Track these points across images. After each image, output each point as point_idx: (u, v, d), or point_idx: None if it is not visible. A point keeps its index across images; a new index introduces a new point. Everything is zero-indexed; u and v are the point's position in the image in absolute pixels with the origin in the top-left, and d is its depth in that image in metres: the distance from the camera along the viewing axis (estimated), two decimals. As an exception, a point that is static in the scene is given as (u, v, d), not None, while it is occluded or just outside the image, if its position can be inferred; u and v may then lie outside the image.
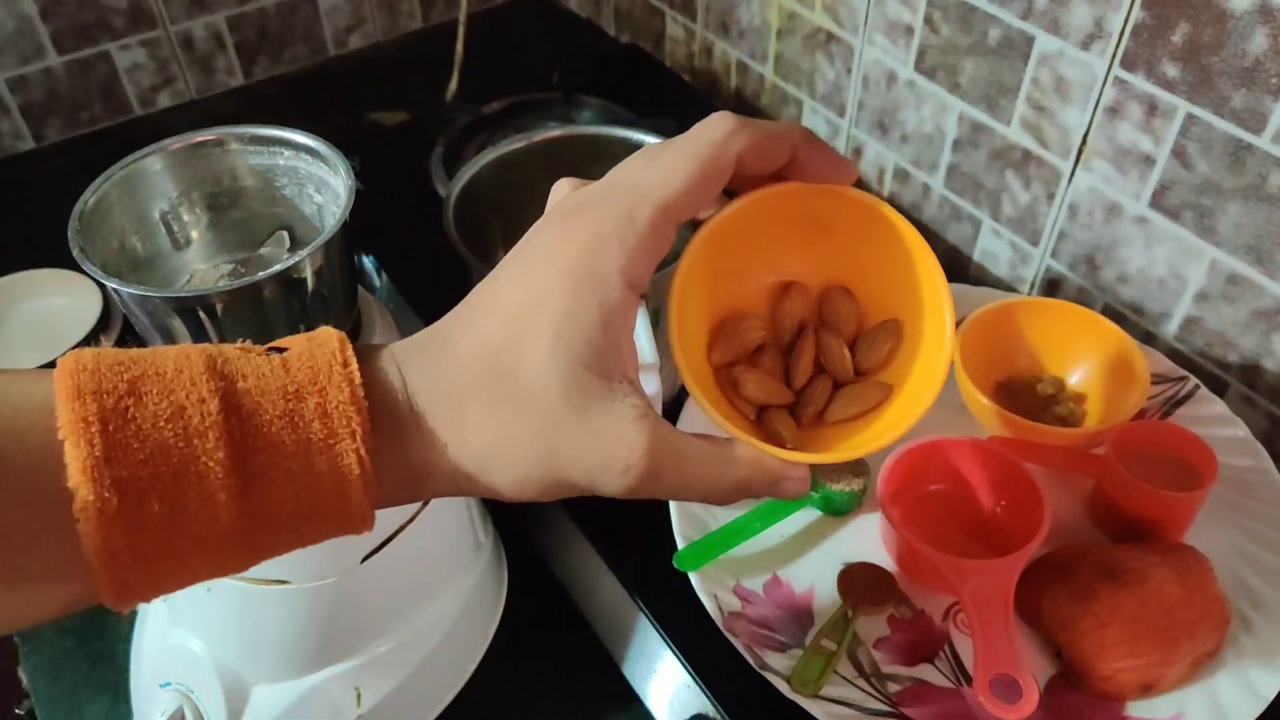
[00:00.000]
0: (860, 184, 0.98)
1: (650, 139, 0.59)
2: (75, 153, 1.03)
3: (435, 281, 0.76)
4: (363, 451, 0.30)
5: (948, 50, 0.78)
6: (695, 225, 0.36)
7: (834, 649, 0.52)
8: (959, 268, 0.87)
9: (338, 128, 0.94)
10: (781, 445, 0.36)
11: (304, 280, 0.43)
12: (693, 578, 0.53)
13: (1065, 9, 0.68)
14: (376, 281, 0.83)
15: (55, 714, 0.63)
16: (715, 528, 0.56)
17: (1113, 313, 0.75)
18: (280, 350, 0.31)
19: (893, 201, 0.91)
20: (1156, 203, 0.68)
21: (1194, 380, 0.63)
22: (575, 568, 0.65)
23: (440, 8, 1.20)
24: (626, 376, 0.32)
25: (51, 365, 0.28)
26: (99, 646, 0.66)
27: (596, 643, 0.65)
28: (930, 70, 0.80)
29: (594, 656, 0.64)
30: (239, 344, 0.31)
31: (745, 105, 1.03)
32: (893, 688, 0.51)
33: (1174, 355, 0.70)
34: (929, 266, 0.36)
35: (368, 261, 0.83)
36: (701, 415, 0.36)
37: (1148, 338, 0.73)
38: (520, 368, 0.31)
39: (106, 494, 0.27)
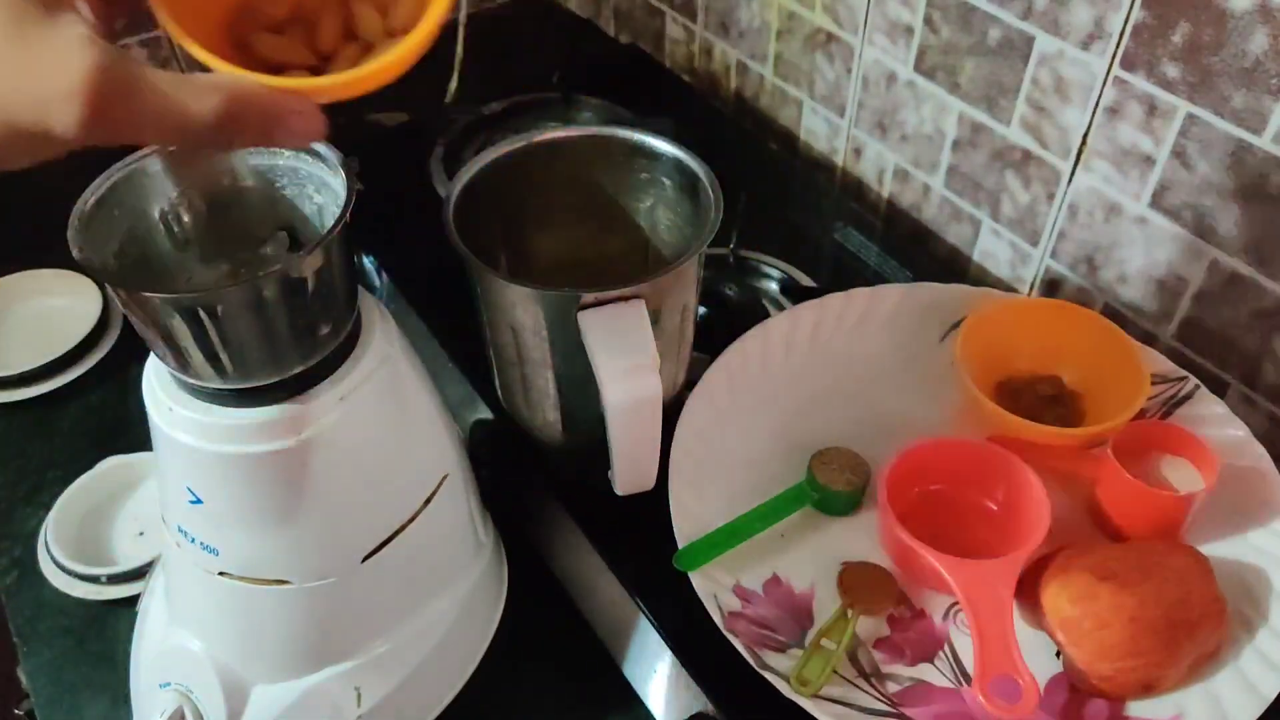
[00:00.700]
0: (860, 184, 0.99)
1: (650, 139, 0.59)
2: (75, 153, 1.02)
3: (435, 281, 0.76)
4: None
5: (948, 50, 0.78)
6: None
7: (834, 649, 0.52)
8: (959, 268, 0.87)
9: (338, 128, 0.94)
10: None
11: (304, 280, 0.43)
12: (693, 578, 0.53)
13: (1065, 9, 0.68)
14: (376, 281, 0.83)
15: (55, 714, 0.63)
16: (715, 528, 0.56)
17: (1113, 313, 0.75)
18: None
19: (892, 202, 0.91)
20: (1156, 203, 0.68)
21: (1194, 380, 0.63)
22: (575, 568, 0.65)
23: (440, 8, 1.19)
24: (74, 8, 0.31)
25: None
26: (99, 646, 0.66)
27: (596, 643, 0.65)
28: (930, 70, 0.80)
29: (594, 656, 0.64)
30: None
31: (745, 105, 1.03)
32: (893, 688, 0.51)
33: (1174, 355, 0.70)
34: None
35: (368, 261, 0.82)
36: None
37: (1148, 338, 0.73)
38: None
39: None
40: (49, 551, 0.68)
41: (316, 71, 0.37)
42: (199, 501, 0.48)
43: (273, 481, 0.48)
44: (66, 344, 0.81)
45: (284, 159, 0.48)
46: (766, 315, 0.72)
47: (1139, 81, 0.66)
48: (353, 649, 0.55)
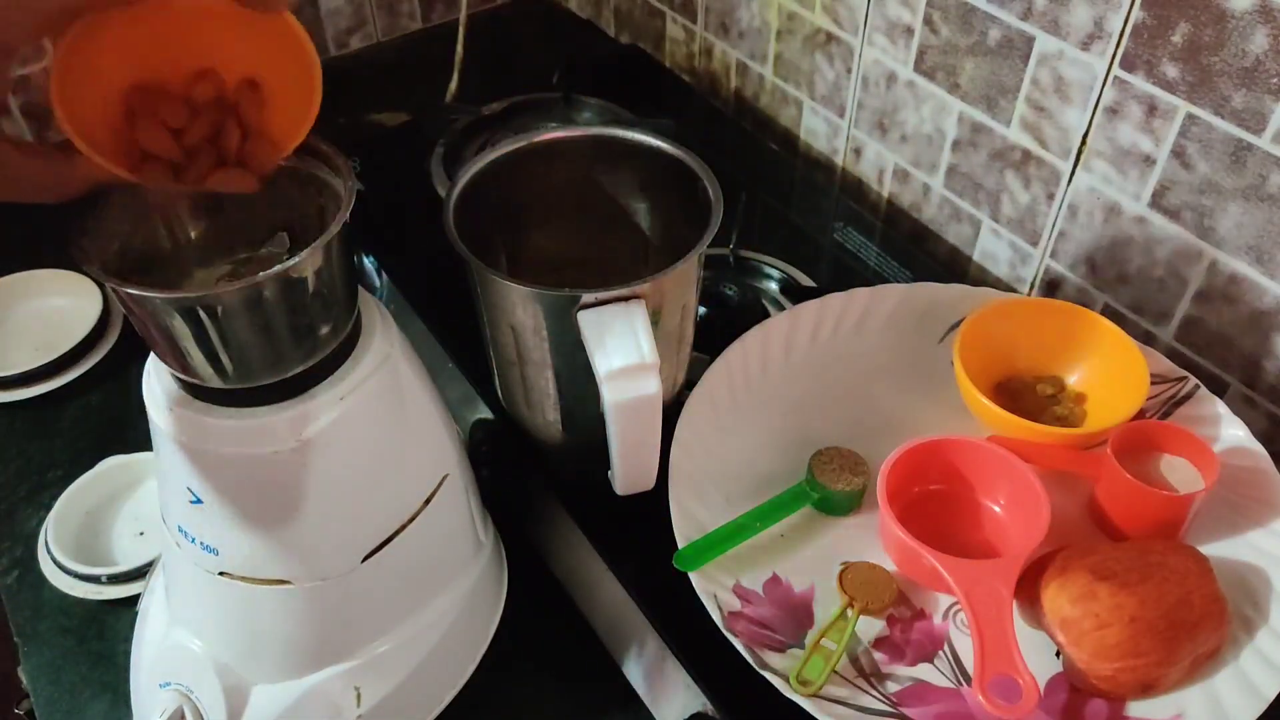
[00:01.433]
0: (859, 184, 0.99)
1: (651, 139, 0.59)
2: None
3: (435, 281, 0.76)
4: None
5: (947, 51, 0.78)
6: None
7: (834, 649, 0.52)
8: (959, 268, 0.87)
9: (338, 128, 0.94)
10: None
11: (304, 280, 0.43)
12: (693, 578, 0.53)
13: (1065, 9, 0.68)
14: (376, 281, 0.83)
15: (55, 714, 0.63)
16: (715, 528, 0.56)
17: (1113, 313, 0.75)
18: None
19: (892, 202, 0.91)
20: (1156, 203, 0.68)
21: (1194, 380, 0.63)
22: (575, 568, 0.65)
23: (440, 8, 1.20)
24: None
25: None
26: (99, 646, 0.66)
27: (596, 643, 0.65)
28: (930, 71, 0.80)
29: (593, 656, 0.64)
30: None
31: (745, 105, 1.03)
32: (893, 688, 0.51)
33: (1174, 355, 0.70)
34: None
35: (368, 261, 0.82)
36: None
37: (1148, 338, 0.73)
38: None
39: None
40: (49, 551, 0.68)
41: (177, 167, 0.42)
42: (199, 501, 0.48)
43: (273, 482, 0.48)
44: (66, 344, 0.81)
45: (284, 159, 0.48)
46: (766, 315, 0.72)
47: (1139, 81, 0.66)
48: (353, 649, 0.55)
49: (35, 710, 0.63)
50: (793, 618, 0.54)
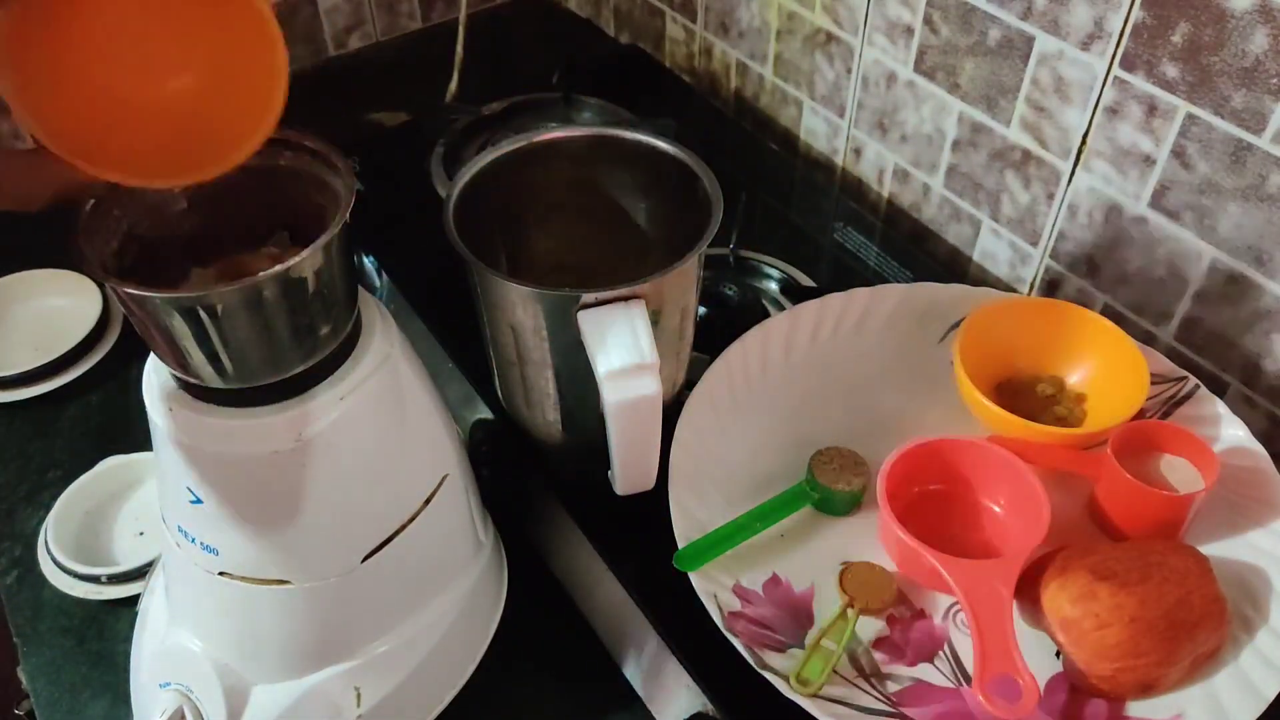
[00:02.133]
0: (859, 184, 0.99)
1: (651, 139, 0.59)
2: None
3: (435, 281, 0.76)
4: None
5: (947, 51, 0.78)
6: None
7: (834, 649, 0.52)
8: (959, 268, 0.87)
9: (338, 128, 0.94)
10: None
11: (304, 280, 0.43)
12: (693, 578, 0.53)
13: (1065, 9, 0.68)
14: (376, 281, 0.83)
15: (55, 714, 0.63)
16: (715, 528, 0.56)
17: (1113, 313, 0.75)
18: None
19: (892, 202, 0.91)
20: (1156, 203, 0.68)
21: (1194, 380, 0.63)
22: (575, 568, 0.65)
23: (440, 8, 1.20)
24: None
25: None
26: (99, 646, 0.66)
27: (596, 643, 0.65)
28: (930, 71, 0.80)
29: (593, 657, 0.64)
30: None
31: (745, 105, 1.03)
32: (893, 688, 0.51)
33: (1174, 355, 0.70)
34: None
35: (368, 261, 0.82)
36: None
37: (1148, 338, 0.73)
38: None
39: None
40: (49, 551, 0.68)
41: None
42: (199, 502, 0.48)
43: (273, 482, 0.48)
44: (66, 344, 0.81)
45: (285, 160, 0.48)
46: (766, 315, 0.72)
47: (1139, 81, 0.66)
48: (353, 649, 0.55)
49: (35, 710, 0.63)
50: (793, 618, 0.54)
